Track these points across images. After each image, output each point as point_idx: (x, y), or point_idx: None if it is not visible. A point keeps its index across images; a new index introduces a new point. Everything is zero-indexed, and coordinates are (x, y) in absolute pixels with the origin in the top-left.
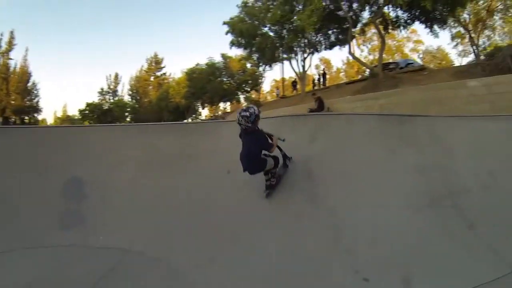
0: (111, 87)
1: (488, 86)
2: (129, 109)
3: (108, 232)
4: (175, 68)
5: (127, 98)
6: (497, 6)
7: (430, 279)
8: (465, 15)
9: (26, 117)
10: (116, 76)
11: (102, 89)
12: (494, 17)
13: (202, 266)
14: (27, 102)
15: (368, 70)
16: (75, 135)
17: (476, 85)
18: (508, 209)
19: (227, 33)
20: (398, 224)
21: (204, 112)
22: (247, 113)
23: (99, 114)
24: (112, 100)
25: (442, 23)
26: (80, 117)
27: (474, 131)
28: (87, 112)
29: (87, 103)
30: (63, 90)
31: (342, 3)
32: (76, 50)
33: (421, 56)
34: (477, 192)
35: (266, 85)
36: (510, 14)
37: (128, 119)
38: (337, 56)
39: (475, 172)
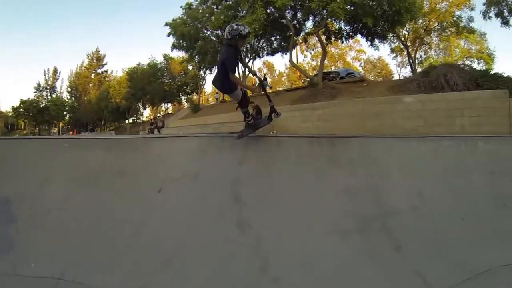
0: (49, 82)
1: (422, 103)
2: (67, 108)
3: (39, 259)
4: (118, 65)
5: (65, 96)
6: (434, 26)
7: None
8: (405, 32)
9: None
10: (55, 71)
11: (38, 84)
12: (431, 35)
13: None
14: None
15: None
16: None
17: (412, 101)
18: (434, 230)
19: (169, 35)
20: (326, 249)
21: (146, 113)
22: (235, 26)
23: (35, 113)
24: (49, 98)
25: (382, 38)
26: (13, 115)
27: (406, 152)
28: (21, 110)
29: (21, 100)
30: None
31: (286, 12)
32: (11, 41)
33: (362, 65)
34: (406, 214)
35: (209, 88)
36: (445, 34)
37: (67, 118)
38: (281, 60)
39: (405, 193)
